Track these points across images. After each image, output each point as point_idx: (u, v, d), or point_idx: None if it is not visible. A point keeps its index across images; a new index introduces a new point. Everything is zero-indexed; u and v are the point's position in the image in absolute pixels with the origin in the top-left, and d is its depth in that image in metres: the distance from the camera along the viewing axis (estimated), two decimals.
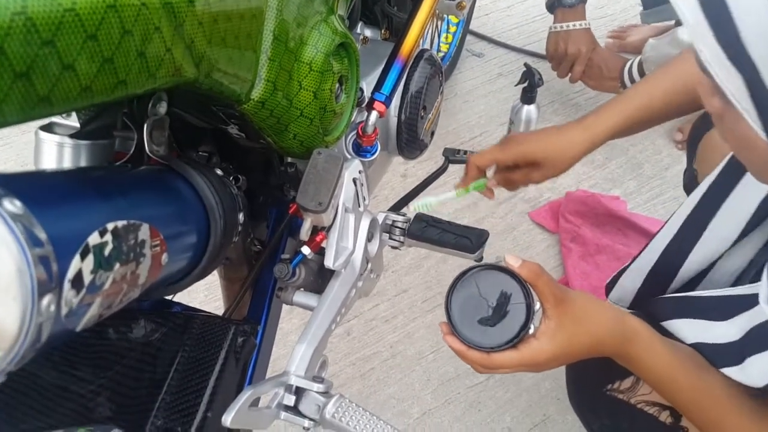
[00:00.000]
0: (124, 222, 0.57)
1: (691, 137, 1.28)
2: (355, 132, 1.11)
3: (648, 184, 2.10)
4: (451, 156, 1.33)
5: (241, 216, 0.83)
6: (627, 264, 1.11)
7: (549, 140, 1.12)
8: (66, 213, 0.51)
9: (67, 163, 0.76)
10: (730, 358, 0.79)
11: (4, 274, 0.43)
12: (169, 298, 0.87)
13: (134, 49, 0.53)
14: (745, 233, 0.95)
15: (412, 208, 1.11)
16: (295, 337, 1.72)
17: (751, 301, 0.82)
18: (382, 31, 1.42)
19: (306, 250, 0.92)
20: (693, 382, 0.83)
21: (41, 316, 0.45)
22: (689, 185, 1.32)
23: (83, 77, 0.49)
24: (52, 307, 0.46)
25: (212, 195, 0.76)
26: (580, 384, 1.13)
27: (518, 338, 0.79)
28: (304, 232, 0.90)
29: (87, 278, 0.51)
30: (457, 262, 1.85)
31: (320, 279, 1.02)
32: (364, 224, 0.99)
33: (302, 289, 1.00)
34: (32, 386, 0.72)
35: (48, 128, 0.78)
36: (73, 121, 0.78)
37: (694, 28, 0.60)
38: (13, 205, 0.45)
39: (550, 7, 2.05)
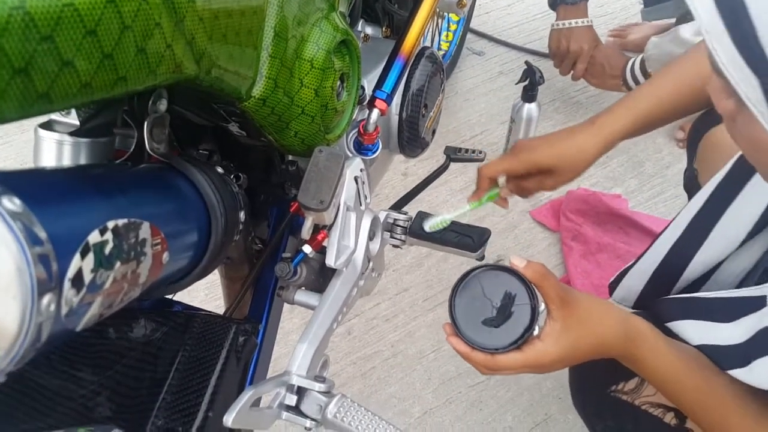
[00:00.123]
0: (125, 220, 0.56)
1: (690, 137, 1.27)
2: (356, 130, 1.11)
3: (649, 182, 2.10)
4: (453, 154, 1.32)
5: (242, 214, 0.83)
6: (631, 264, 1.10)
7: (560, 146, 1.10)
8: (66, 211, 0.51)
9: (67, 161, 0.75)
10: (735, 360, 0.79)
11: (4, 273, 0.43)
12: (169, 297, 0.86)
13: (134, 45, 0.53)
14: (752, 235, 0.94)
15: (428, 228, 1.09)
16: (296, 336, 1.72)
17: (758, 303, 0.81)
18: (383, 28, 1.41)
19: (307, 248, 0.92)
20: (698, 383, 0.82)
21: (41, 316, 0.45)
22: (689, 185, 1.32)
23: (83, 73, 0.48)
24: (52, 307, 0.46)
25: (213, 193, 0.75)
26: (583, 385, 1.12)
27: (523, 340, 0.78)
28: (306, 231, 0.90)
29: (87, 277, 0.50)
30: (459, 261, 1.85)
31: (321, 278, 1.01)
32: (366, 223, 0.99)
33: (303, 288, 1.00)
34: (32, 386, 0.72)
35: (47, 126, 0.77)
36: (73, 119, 0.78)
37: (709, 28, 0.59)
38: (12, 204, 0.44)
39: (553, 4, 2.04)
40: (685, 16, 1.95)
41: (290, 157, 1.01)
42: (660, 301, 1.00)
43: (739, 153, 0.92)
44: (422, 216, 1.11)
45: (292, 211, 0.93)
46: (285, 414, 0.81)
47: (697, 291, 1.01)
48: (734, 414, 0.80)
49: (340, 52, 0.91)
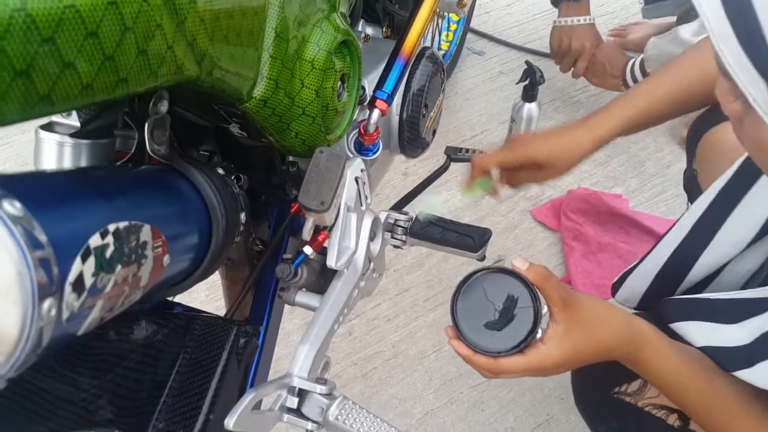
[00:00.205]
0: (126, 223, 0.56)
1: (690, 137, 1.27)
2: (357, 130, 1.10)
3: (650, 181, 2.10)
4: (453, 154, 1.32)
5: (243, 216, 0.82)
6: (634, 265, 1.10)
7: (553, 141, 1.11)
8: (67, 214, 0.50)
9: (68, 163, 0.75)
10: (739, 362, 0.78)
11: (4, 278, 0.42)
12: (170, 298, 0.86)
13: (135, 46, 0.52)
14: (758, 237, 0.94)
15: (422, 218, 1.09)
16: (297, 337, 1.71)
17: (763, 305, 0.81)
18: (384, 29, 1.41)
19: (308, 249, 0.92)
20: (701, 385, 0.82)
21: (42, 320, 0.45)
22: (689, 185, 1.31)
23: (84, 75, 0.48)
24: (53, 311, 0.46)
25: (214, 195, 0.75)
26: (586, 387, 1.12)
27: (525, 343, 0.78)
28: (306, 232, 0.89)
29: (88, 281, 0.50)
30: (459, 261, 1.85)
31: (322, 279, 1.01)
32: (367, 223, 0.99)
33: (304, 289, 1.00)
34: (33, 390, 0.71)
35: (48, 127, 0.77)
36: (74, 120, 0.77)
37: (716, 30, 0.59)
38: (12, 207, 0.44)
39: (555, 2, 2.04)
40: (686, 14, 1.95)
41: (291, 158, 1.01)
42: (664, 302, 1.00)
43: (746, 155, 0.92)
44: (429, 231, 1.11)
45: (292, 212, 0.93)
46: (286, 416, 0.81)
47: (701, 292, 1.01)
48: (738, 416, 0.80)
49: (340, 52, 0.90)
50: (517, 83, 1.76)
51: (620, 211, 1.95)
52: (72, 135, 0.75)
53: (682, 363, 0.82)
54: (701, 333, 0.86)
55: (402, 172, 2.11)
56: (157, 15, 0.54)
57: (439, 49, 2.22)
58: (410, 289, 1.85)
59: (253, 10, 0.69)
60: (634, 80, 1.99)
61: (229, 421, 0.70)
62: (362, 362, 1.70)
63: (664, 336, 0.84)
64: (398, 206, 1.31)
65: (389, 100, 1.11)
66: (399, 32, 1.19)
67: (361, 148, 1.12)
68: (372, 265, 1.03)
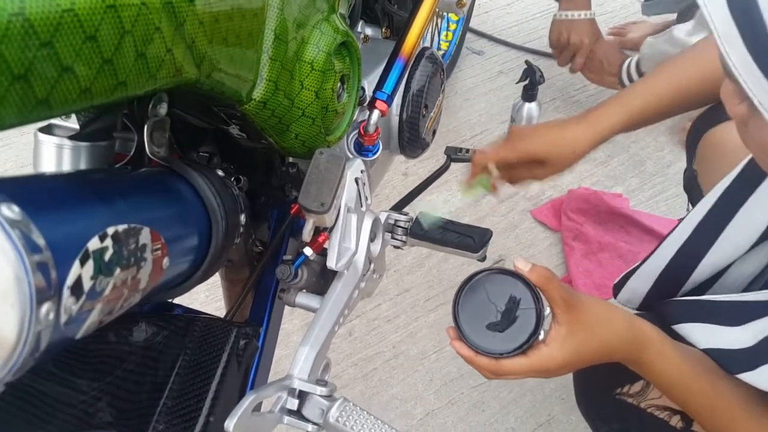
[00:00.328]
0: (125, 226, 0.56)
1: (689, 137, 1.27)
2: (356, 131, 1.10)
3: (650, 181, 2.09)
4: (453, 154, 1.31)
5: (242, 217, 0.82)
6: (636, 265, 1.09)
7: (553, 137, 1.11)
8: (65, 218, 0.50)
9: (67, 166, 0.75)
10: (742, 364, 0.78)
11: (2, 282, 0.42)
12: (170, 300, 0.86)
13: (134, 49, 0.52)
14: (761, 239, 0.93)
15: (426, 226, 1.09)
16: (297, 337, 1.71)
17: (766, 308, 0.80)
18: (383, 29, 1.41)
19: (308, 251, 0.92)
20: (704, 387, 0.82)
21: (40, 324, 0.44)
22: (689, 185, 1.31)
23: (82, 79, 0.48)
24: (51, 315, 0.45)
25: (214, 196, 0.75)
26: (588, 388, 1.12)
27: (528, 344, 0.78)
28: (307, 233, 0.89)
29: (87, 284, 0.50)
30: (460, 261, 1.85)
31: (323, 280, 1.01)
32: (367, 224, 0.98)
33: (304, 290, 1.00)
34: (32, 393, 0.71)
35: (47, 130, 0.77)
36: (73, 123, 0.77)
37: (721, 31, 0.59)
38: (10, 211, 0.44)
39: None
40: (686, 12, 1.95)
41: (291, 159, 1.01)
42: (666, 303, 0.99)
43: (750, 156, 0.92)
44: (429, 232, 1.10)
45: (292, 213, 0.93)
46: (287, 418, 0.81)
47: (703, 294, 1.00)
48: (740, 417, 0.80)
49: (340, 53, 0.90)
50: (516, 83, 1.76)
51: (621, 211, 1.95)
52: (71, 137, 0.75)
53: (684, 364, 0.82)
54: (704, 335, 0.86)
55: (402, 172, 2.10)
56: (155, 18, 0.54)
57: (439, 49, 2.22)
58: (411, 289, 1.85)
59: (252, 12, 0.69)
60: (630, 79, 1.99)
61: (229, 424, 0.70)
62: (363, 363, 1.70)
63: (666, 337, 0.83)
64: (398, 207, 1.31)
65: (389, 101, 1.10)
66: (398, 33, 1.19)
67: (361, 149, 1.12)
68: (372, 265, 1.03)
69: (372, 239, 1.00)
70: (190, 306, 0.91)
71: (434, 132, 1.35)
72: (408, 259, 1.90)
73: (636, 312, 1.05)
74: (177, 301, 0.86)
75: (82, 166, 0.76)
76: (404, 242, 1.12)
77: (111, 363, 0.75)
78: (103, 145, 0.77)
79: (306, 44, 0.83)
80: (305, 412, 0.81)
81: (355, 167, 0.94)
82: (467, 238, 1.11)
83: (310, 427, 0.80)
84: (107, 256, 0.53)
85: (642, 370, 0.84)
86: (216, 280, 1.13)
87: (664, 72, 1.11)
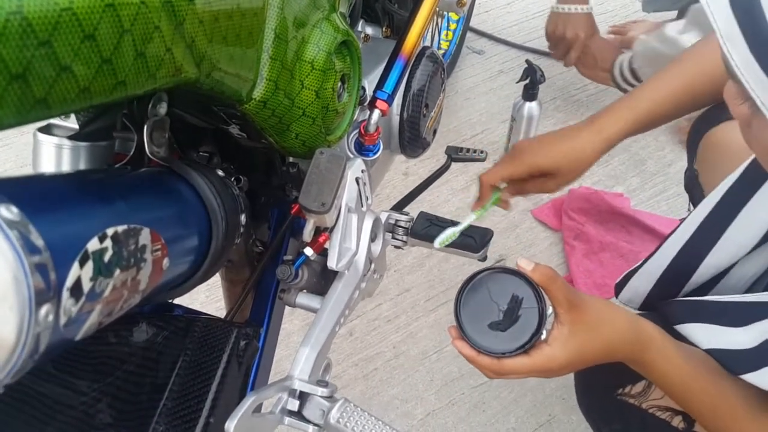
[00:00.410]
0: (125, 226, 0.55)
1: (690, 137, 1.27)
2: (357, 131, 1.10)
3: (651, 180, 2.09)
4: (454, 154, 1.31)
5: (243, 217, 0.82)
6: (638, 265, 1.09)
7: (560, 149, 1.08)
8: (64, 219, 0.50)
9: (66, 166, 0.75)
10: (746, 365, 0.78)
11: (0, 283, 0.42)
12: (170, 301, 0.85)
13: (133, 49, 0.52)
14: (764, 240, 0.93)
15: (438, 244, 1.07)
16: (297, 338, 1.71)
17: None
18: (384, 28, 1.40)
19: (309, 251, 0.91)
20: (706, 387, 0.81)
21: (39, 326, 0.44)
22: (690, 185, 1.31)
23: (81, 78, 0.48)
24: (51, 317, 0.45)
25: (214, 197, 0.75)
26: (589, 388, 1.12)
27: (530, 344, 0.77)
28: (307, 233, 0.89)
29: (86, 286, 0.50)
30: (460, 261, 1.85)
31: (323, 280, 1.01)
32: (367, 224, 0.98)
33: (305, 290, 0.99)
34: (31, 394, 0.71)
35: (46, 130, 0.76)
36: (72, 123, 0.77)
37: (724, 31, 0.59)
38: (9, 212, 0.43)
39: None
40: (685, 9, 1.95)
41: (291, 159, 1.01)
42: (668, 303, 0.99)
43: (753, 156, 0.92)
44: (430, 231, 1.09)
45: (293, 213, 0.92)
46: (287, 419, 0.81)
47: (705, 294, 1.00)
48: (743, 418, 0.80)
49: (340, 53, 0.90)
50: (517, 82, 1.75)
51: (622, 210, 1.94)
52: (70, 137, 0.75)
53: (686, 364, 0.82)
54: (706, 335, 0.85)
55: (402, 172, 2.10)
56: (155, 17, 0.53)
57: (439, 48, 2.22)
58: (411, 289, 1.85)
59: (252, 12, 0.69)
60: (622, 76, 1.99)
61: (230, 425, 0.69)
62: (363, 363, 1.70)
63: (668, 337, 0.83)
64: (399, 206, 1.31)
65: (389, 101, 1.10)
66: (399, 32, 1.19)
67: (362, 149, 1.12)
68: (373, 266, 1.03)
69: (373, 239, 1.00)
70: (191, 306, 0.91)
71: (435, 131, 1.34)
72: (408, 258, 1.90)
73: (638, 312, 1.05)
74: (177, 301, 0.86)
75: (82, 166, 0.76)
76: (405, 242, 1.12)
77: (111, 364, 0.74)
78: (102, 145, 0.77)
79: (306, 43, 0.82)
80: (306, 413, 0.80)
81: (356, 167, 0.94)
82: (468, 238, 1.11)
83: (310, 428, 0.80)
84: (107, 257, 0.52)
85: (644, 370, 0.83)
86: (216, 281, 1.13)
87: (670, 73, 1.10)
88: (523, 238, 1.96)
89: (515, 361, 0.78)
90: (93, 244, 0.50)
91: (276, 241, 0.99)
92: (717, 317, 0.87)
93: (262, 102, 0.76)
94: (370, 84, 1.13)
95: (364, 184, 0.96)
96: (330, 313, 0.92)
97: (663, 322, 0.88)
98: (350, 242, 0.95)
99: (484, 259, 1.13)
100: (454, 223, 1.12)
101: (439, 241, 1.06)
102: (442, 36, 2.24)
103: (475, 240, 1.11)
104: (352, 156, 1.11)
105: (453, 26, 2.27)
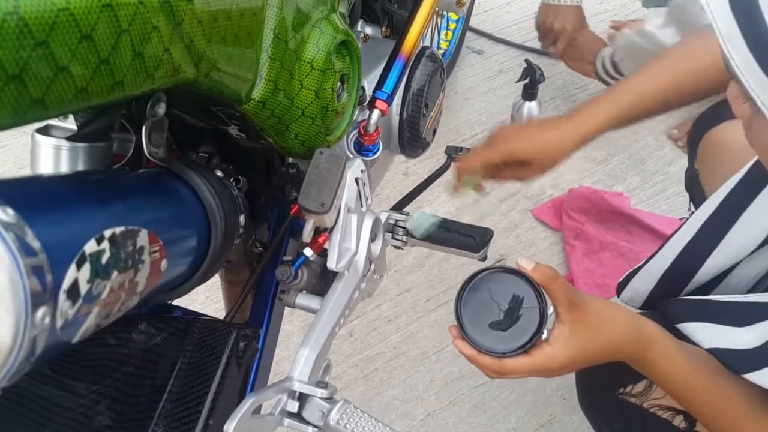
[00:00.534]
0: (122, 228, 0.55)
1: (691, 137, 1.26)
2: (356, 131, 1.10)
3: (651, 179, 2.09)
4: (453, 154, 1.31)
5: (242, 218, 0.82)
6: (640, 264, 1.09)
7: (537, 138, 1.09)
8: (61, 220, 0.50)
9: (64, 167, 0.74)
10: (748, 364, 0.78)
11: None
12: (169, 302, 0.85)
13: (131, 49, 0.52)
14: (767, 241, 0.93)
15: (418, 235, 1.08)
16: (297, 338, 1.71)
17: None
18: (383, 28, 1.40)
19: (308, 251, 0.91)
20: (708, 386, 0.81)
21: (35, 329, 0.44)
22: (691, 185, 1.31)
23: (78, 79, 0.47)
24: (47, 319, 0.45)
25: (212, 197, 0.74)
26: (590, 388, 1.11)
27: (531, 343, 0.77)
28: (307, 234, 0.89)
29: (83, 288, 0.49)
30: (460, 261, 1.84)
31: (323, 281, 1.00)
32: (367, 224, 0.98)
33: (305, 291, 0.99)
34: (29, 396, 0.71)
35: (44, 131, 0.76)
36: (71, 123, 0.77)
37: (723, 31, 0.59)
38: (5, 214, 0.43)
39: None
40: None
41: (290, 160, 1.00)
42: (670, 302, 0.99)
43: (756, 158, 0.91)
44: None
45: (292, 213, 0.92)
46: (287, 421, 0.80)
47: (707, 294, 1.00)
48: (744, 417, 0.79)
49: (340, 53, 0.90)
50: (516, 82, 1.75)
51: (622, 210, 1.94)
52: (69, 138, 0.74)
53: (688, 364, 0.81)
54: (708, 334, 0.85)
55: (402, 171, 2.10)
56: (153, 17, 0.53)
57: (438, 48, 2.21)
58: (411, 289, 1.84)
59: (251, 11, 0.69)
60: (604, 69, 2.01)
61: (229, 426, 0.69)
62: (363, 363, 1.70)
63: (670, 336, 0.83)
64: (399, 206, 1.30)
65: (389, 100, 1.10)
66: (398, 32, 1.19)
67: (361, 149, 1.11)
68: (373, 266, 1.03)
69: (372, 239, 1.00)
70: (190, 307, 0.91)
71: (434, 131, 1.34)
72: (408, 259, 1.90)
73: (639, 311, 1.05)
74: (177, 302, 0.86)
75: (80, 167, 0.75)
76: (405, 242, 1.12)
77: (110, 366, 0.74)
78: (101, 146, 0.76)
79: (305, 43, 0.82)
80: (305, 414, 0.80)
81: (356, 167, 0.93)
82: (468, 237, 1.10)
83: (310, 429, 0.80)
84: (104, 259, 0.52)
85: (646, 369, 0.83)
86: (216, 281, 1.12)
87: (653, 69, 1.09)
88: (523, 238, 1.96)
89: (516, 361, 0.77)
90: (90, 246, 0.50)
91: (275, 241, 0.99)
92: (719, 317, 0.86)
93: (261, 102, 0.76)
94: (369, 84, 1.13)
95: (364, 184, 0.96)
96: (330, 313, 0.91)
97: (664, 321, 0.87)
98: (350, 242, 0.95)
99: (484, 258, 1.12)
100: (454, 223, 1.12)
101: (418, 232, 1.06)
102: (442, 36, 2.24)
103: (475, 240, 1.11)
104: (351, 156, 1.11)
105: (452, 26, 2.26)
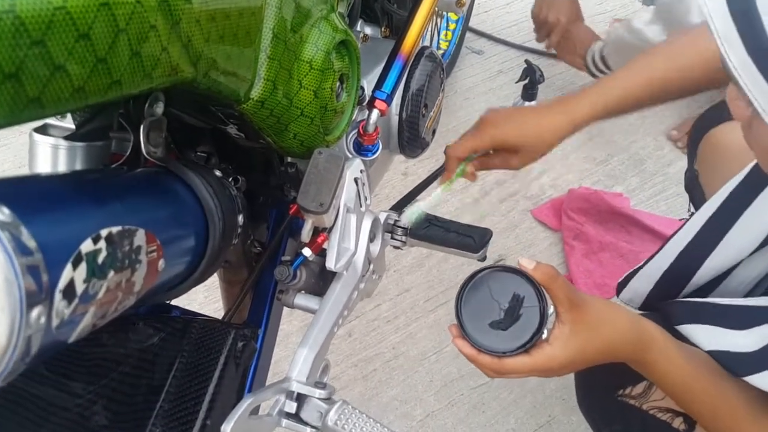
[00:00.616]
0: (119, 227, 0.55)
1: (691, 137, 1.26)
2: (356, 131, 1.10)
3: (651, 180, 2.09)
4: None
5: (240, 218, 0.82)
6: (639, 266, 1.09)
7: (527, 125, 1.08)
8: (57, 220, 0.50)
9: (62, 166, 0.74)
10: (748, 367, 0.77)
11: None
12: (167, 301, 0.85)
13: (129, 48, 0.52)
14: (765, 243, 0.93)
15: (405, 221, 1.08)
16: (296, 338, 1.70)
17: None
18: (383, 28, 1.40)
19: (307, 251, 0.91)
20: (707, 387, 0.81)
21: (30, 329, 0.44)
22: (690, 185, 1.31)
23: (75, 78, 0.47)
24: (43, 319, 0.45)
25: (210, 197, 0.74)
26: (590, 389, 1.11)
27: (531, 343, 0.77)
28: (305, 234, 0.88)
29: (79, 288, 0.49)
30: (460, 261, 1.84)
31: (322, 281, 1.00)
32: (366, 224, 0.98)
33: (303, 291, 0.99)
34: (24, 396, 0.70)
35: (42, 130, 0.76)
36: (69, 123, 0.77)
37: (722, 33, 0.59)
38: (0, 213, 0.43)
39: None
40: None
41: (289, 159, 1.00)
42: (670, 304, 0.99)
43: (756, 160, 0.91)
44: (429, 231, 1.09)
45: (291, 213, 0.92)
46: (285, 421, 0.80)
47: (706, 296, 1.00)
48: (744, 419, 0.79)
49: (339, 52, 0.89)
50: (516, 82, 1.74)
51: (621, 210, 1.94)
52: (67, 137, 0.74)
53: (688, 365, 0.81)
54: (708, 336, 0.85)
55: (402, 172, 2.10)
56: (150, 16, 0.53)
57: (438, 48, 2.21)
58: (410, 289, 1.84)
59: (250, 11, 0.68)
60: (594, 62, 2.02)
61: (226, 427, 0.69)
62: (362, 364, 1.69)
63: (670, 337, 0.83)
64: (398, 206, 1.30)
65: (388, 100, 1.10)
66: (398, 32, 1.18)
67: (361, 149, 1.11)
68: (372, 266, 1.02)
69: (371, 239, 1.00)
70: (189, 307, 0.91)
71: (434, 131, 1.34)
72: (408, 259, 1.90)
73: (639, 312, 1.05)
74: (175, 302, 0.85)
75: (78, 166, 0.75)
76: (404, 242, 1.12)
77: (107, 365, 0.74)
78: (99, 145, 0.76)
79: (304, 43, 0.82)
80: (303, 415, 0.80)
81: (355, 167, 0.93)
82: (467, 238, 1.10)
83: (308, 430, 0.79)
84: (100, 258, 0.52)
85: (645, 370, 0.83)
86: (215, 281, 1.12)
87: (642, 63, 1.09)
88: (523, 238, 1.96)
89: (516, 361, 0.77)
90: (86, 246, 0.50)
91: (274, 241, 0.99)
92: (718, 319, 0.86)
93: (259, 102, 0.76)
94: (369, 84, 1.13)
95: (363, 184, 0.96)
96: (328, 314, 0.91)
97: (664, 322, 0.87)
98: (349, 242, 0.95)
99: (483, 259, 1.12)
100: (453, 223, 1.12)
101: (406, 219, 1.06)
102: (442, 36, 2.24)
103: (474, 240, 1.11)
104: (350, 156, 1.11)
105: (452, 26, 2.26)
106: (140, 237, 0.58)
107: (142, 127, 0.71)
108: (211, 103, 0.78)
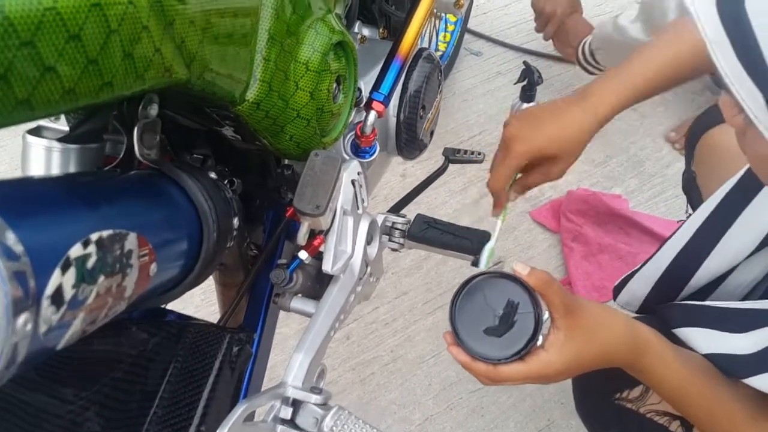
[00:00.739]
0: (110, 231, 0.54)
1: (688, 139, 1.26)
2: (353, 132, 1.09)
3: (649, 182, 2.08)
4: (451, 156, 1.30)
5: (235, 221, 0.81)
6: (636, 268, 1.08)
7: (556, 129, 1.02)
8: (46, 223, 0.49)
9: (56, 169, 0.73)
10: (748, 369, 0.77)
11: None
12: (162, 305, 0.84)
13: (121, 49, 0.51)
14: (762, 245, 0.92)
15: (483, 266, 1.06)
16: (293, 342, 1.70)
17: None
18: (380, 30, 1.39)
19: (303, 254, 0.90)
20: (704, 391, 0.81)
21: (17, 336, 0.43)
22: (688, 187, 1.30)
23: (66, 79, 0.46)
24: (29, 326, 0.44)
25: (205, 200, 0.73)
26: (587, 393, 1.11)
27: (526, 350, 0.76)
28: (302, 236, 0.88)
29: (68, 293, 0.48)
30: (458, 264, 1.84)
31: (318, 284, 0.99)
32: (363, 227, 0.97)
33: (300, 294, 0.98)
34: (14, 402, 0.69)
35: (36, 132, 0.75)
36: (62, 125, 0.76)
37: (713, 40, 0.58)
38: None
39: None
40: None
41: (286, 161, 0.99)
42: (667, 307, 0.98)
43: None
44: (427, 233, 1.08)
45: (287, 216, 0.91)
46: (280, 428, 0.79)
47: (704, 299, 0.99)
48: (742, 422, 0.79)
49: (336, 54, 0.89)
50: (515, 84, 1.74)
51: (620, 212, 1.94)
52: (60, 139, 0.73)
53: (684, 368, 0.81)
54: (705, 339, 0.85)
55: (400, 173, 2.09)
56: (143, 17, 0.52)
57: (437, 50, 2.20)
58: (408, 292, 1.83)
59: (245, 12, 0.68)
60: (584, 55, 2.02)
61: None
62: (360, 367, 1.69)
63: (666, 341, 0.82)
64: (396, 208, 1.30)
65: (386, 102, 1.09)
66: (395, 33, 1.18)
67: (358, 151, 1.10)
68: (369, 269, 1.02)
69: (369, 242, 0.99)
70: (185, 310, 0.90)
71: (432, 133, 1.33)
72: (406, 261, 1.89)
73: (636, 315, 1.04)
74: (171, 305, 0.84)
75: (72, 169, 0.74)
76: (402, 244, 1.11)
77: (99, 371, 0.73)
78: (93, 147, 0.75)
79: (301, 44, 0.81)
80: (299, 421, 0.79)
81: (351, 169, 0.92)
82: (465, 240, 1.10)
83: None
84: (90, 263, 0.51)
85: (641, 374, 0.82)
86: (212, 284, 1.11)
87: (655, 48, 1.05)
88: (522, 240, 1.95)
89: (511, 368, 0.76)
90: (76, 250, 0.49)
91: (270, 244, 0.98)
92: (716, 322, 0.86)
93: (255, 103, 0.75)
94: (366, 85, 1.12)
95: (360, 186, 0.95)
96: (325, 317, 0.90)
97: (661, 325, 0.87)
98: (346, 245, 0.94)
99: (477, 263, 1.11)
100: (451, 225, 1.11)
101: (483, 264, 1.05)
102: (440, 38, 2.23)
103: (472, 242, 1.10)
104: (348, 158, 1.10)
105: (451, 28, 2.26)
106: (132, 241, 0.57)
107: (135, 129, 0.70)
108: (206, 105, 0.77)
